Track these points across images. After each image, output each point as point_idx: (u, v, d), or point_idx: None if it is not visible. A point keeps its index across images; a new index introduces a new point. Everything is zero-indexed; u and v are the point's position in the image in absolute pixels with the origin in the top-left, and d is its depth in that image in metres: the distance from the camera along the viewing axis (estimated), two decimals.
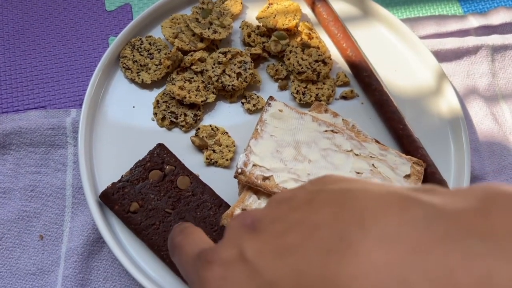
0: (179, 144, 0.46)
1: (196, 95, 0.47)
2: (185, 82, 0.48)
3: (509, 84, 0.54)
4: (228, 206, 0.42)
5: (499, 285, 0.12)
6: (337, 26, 0.51)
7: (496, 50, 0.55)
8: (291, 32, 0.52)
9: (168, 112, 0.47)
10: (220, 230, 0.41)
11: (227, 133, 0.46)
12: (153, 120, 0.47)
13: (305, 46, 0.50)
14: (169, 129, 0.47)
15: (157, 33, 0.51)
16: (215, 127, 0.46)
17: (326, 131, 0.42)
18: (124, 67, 0.48)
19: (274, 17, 0.51)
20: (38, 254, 0.42)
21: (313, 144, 0.41)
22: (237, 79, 0.47)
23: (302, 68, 0.48)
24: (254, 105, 0.48)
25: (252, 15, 0.53)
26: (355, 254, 0.14)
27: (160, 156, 0.43)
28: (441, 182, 0.44)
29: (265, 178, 0.39)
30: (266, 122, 0.42)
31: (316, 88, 0.49)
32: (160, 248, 0.39)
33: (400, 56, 0.52)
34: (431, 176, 0.44)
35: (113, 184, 0.41)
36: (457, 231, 0.13)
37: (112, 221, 0.42)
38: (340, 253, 0.14)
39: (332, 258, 0.14)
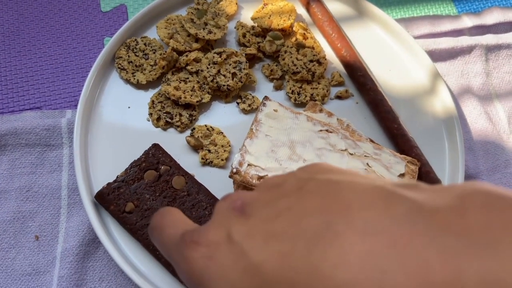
0: (175, 144, 0.46)
1: (191, 95, 0.47)
2: (180, 83, 0.48)
3: (503, 83, 0.55)
4: None
5: (469, 281, 0.13)
6: (331, 26, 0.51)
7: (490, 49, 0.55)
8: (286, 32, 0.52)
9: (164, 112, 0.47)
10: None
11: (222, 133, 0.47)
12: (149, 121, 0.47)
13: (300, 46, 0.50)
14: (165, 129, 0.47)
15: (152, 33, 0.51)
16: (210, 127, 0.47)
17: (321, 130, 0.42)
18: (119, 67, 0.48)
19: (269, 18, 0.51)
20: (34, 254, 0.43)
21: (308, 144, 0.41)
22: (232, 79, 0.47)
23: (297, 68, 0.49)
24: (249, 105, 0.48)
25: (247, 16, 0.53)
26: (339, 244, 0.14)
27: (155, 156, 0.43)
28: (436, 181, 0.44)
29: (260, 178, 0.39)
30: (261, 122, 0.42)
31: (311, 88, 0.49)
32: (156, 248, 0.39)
33: (394, 56, 0.52)
34: (425, 175, 0.44)
35: (109, 184, 0.41)
36: (434, 227, 0.14)
37: (108, 221, 0.42)
38: (325, 241, 0.15)
39: (318, 246, 0.15)
